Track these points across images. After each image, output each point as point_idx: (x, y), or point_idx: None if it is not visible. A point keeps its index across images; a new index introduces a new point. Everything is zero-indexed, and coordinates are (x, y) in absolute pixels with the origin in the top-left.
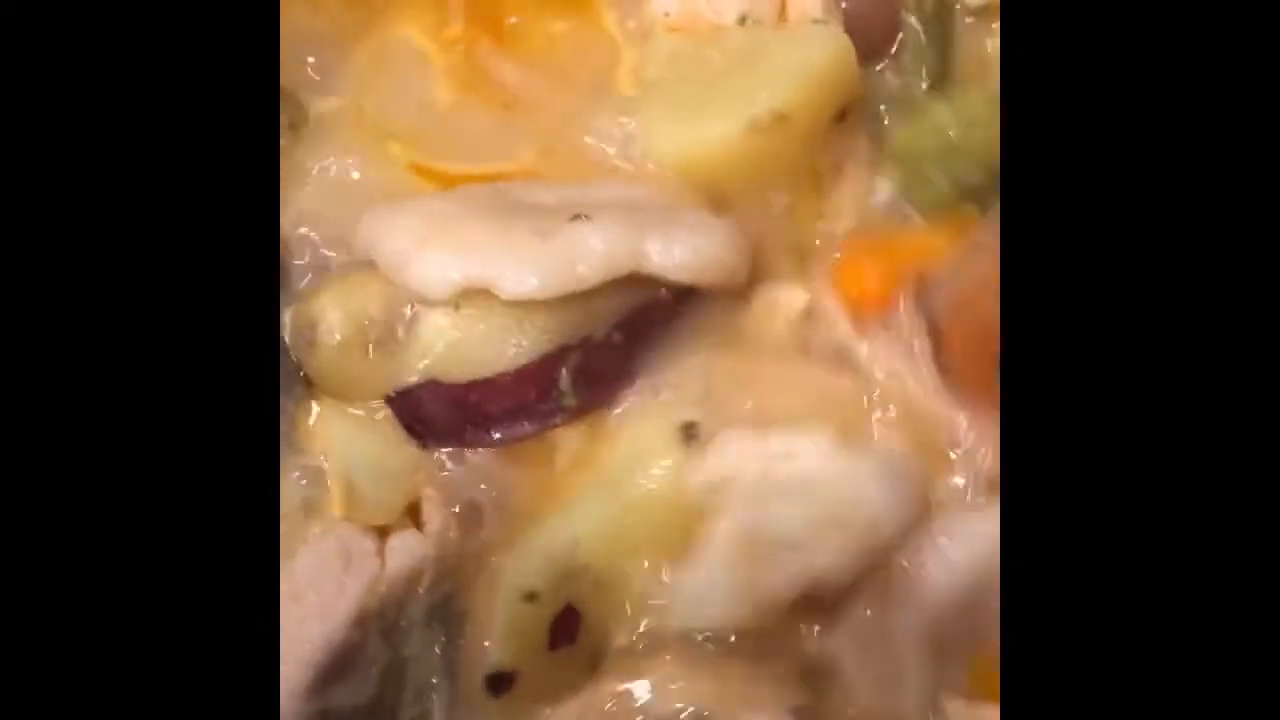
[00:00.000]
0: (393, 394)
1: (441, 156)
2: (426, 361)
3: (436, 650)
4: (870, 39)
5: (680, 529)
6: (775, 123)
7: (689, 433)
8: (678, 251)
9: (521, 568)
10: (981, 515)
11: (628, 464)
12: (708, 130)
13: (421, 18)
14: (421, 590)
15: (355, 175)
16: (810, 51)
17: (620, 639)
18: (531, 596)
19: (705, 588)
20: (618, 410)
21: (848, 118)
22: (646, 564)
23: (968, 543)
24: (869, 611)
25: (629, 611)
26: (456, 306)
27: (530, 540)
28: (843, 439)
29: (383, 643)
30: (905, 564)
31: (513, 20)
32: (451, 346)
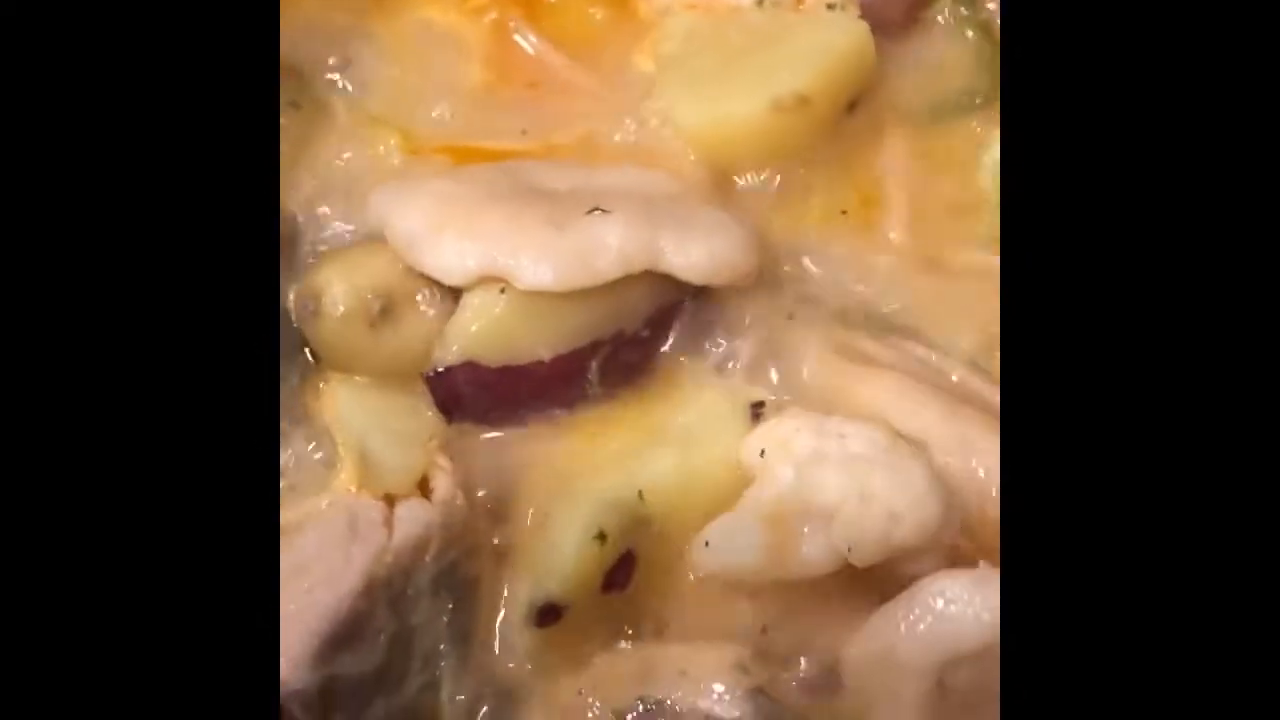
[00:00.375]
0: (431, 373)
1: (467, 136)
2: (464, 341)
3: (444, 618)
4: (885, 27)
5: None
6: (797, 104)
7: (756, 411)
8: (693, 252)
9: (592, 506)
10: None
11: (696, 429)
12: (731, 106)
13: None
14: (428, 559)
15: (365, 152)
16: (832, 36)
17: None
18: (602, 536)
19: (736, 536)
20: (685, 379)
21: (857, 108)
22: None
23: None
24: (886, 631)
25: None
26: (503, 290)
27: (593, 483)
28: (898, 439)
29: (390, 611)
30: (931, 598)
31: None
32: (490, 330)
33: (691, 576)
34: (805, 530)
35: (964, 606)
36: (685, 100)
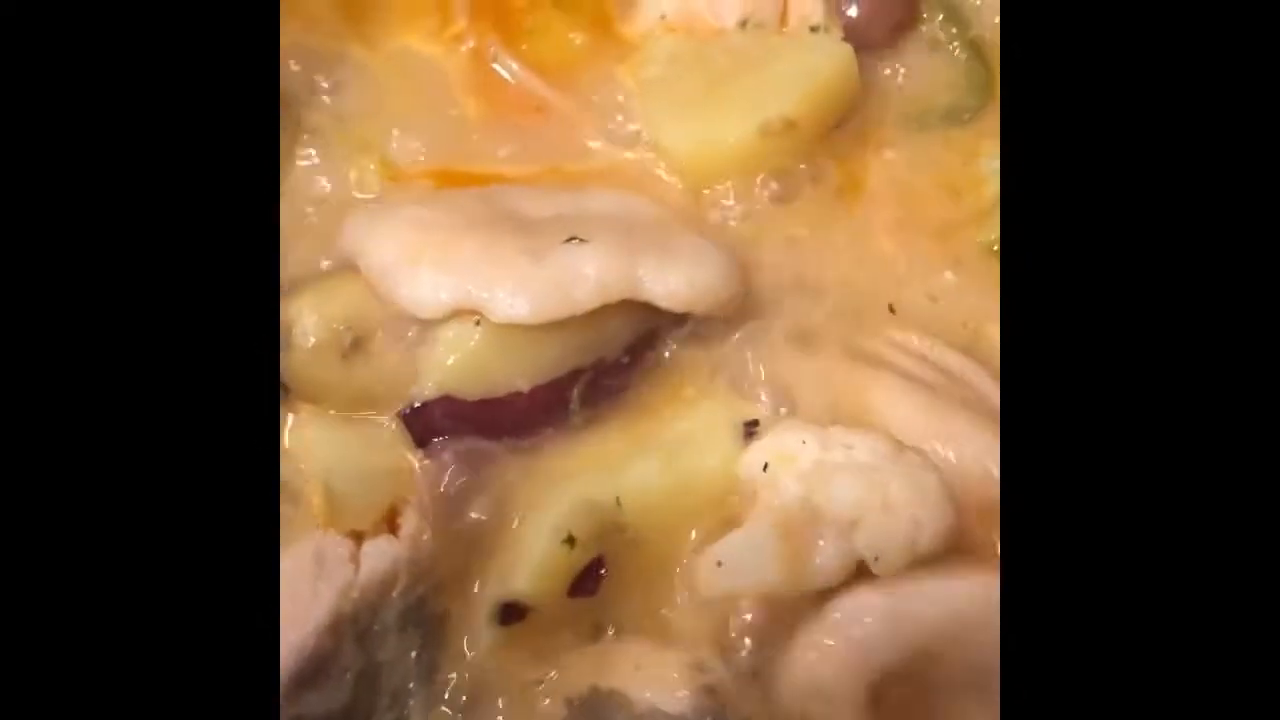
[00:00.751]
0: (408, 409)
1: (447, 162)
2: (440, 375)
3: (411, 655)
4: (871, 46)
5: (727, 511)
6: (784, 128)
7: (749, 429)
8: (673, 280)
9: (564, 509)
10: (950, 582)
11: (683, 442)
12: (717, 131)
13: (424, 21)
14: (395, 595)
15: (343, 178)
16: (817, 59)
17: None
18: (571, 540)
19: (749, 553)
20: (673, 395)
21: (843, 124)
22: (693, 536)
23: (935, 603)
24: (809, 658)
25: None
26: (478, 322)
27: (572, 486)
28: (903, 448)
29: (357, 648)
30: (841, 623)
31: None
32: (466, 363)
33: (680, 590)
34: (820, 542)
35: (872, 625)
36: (669, 124)
